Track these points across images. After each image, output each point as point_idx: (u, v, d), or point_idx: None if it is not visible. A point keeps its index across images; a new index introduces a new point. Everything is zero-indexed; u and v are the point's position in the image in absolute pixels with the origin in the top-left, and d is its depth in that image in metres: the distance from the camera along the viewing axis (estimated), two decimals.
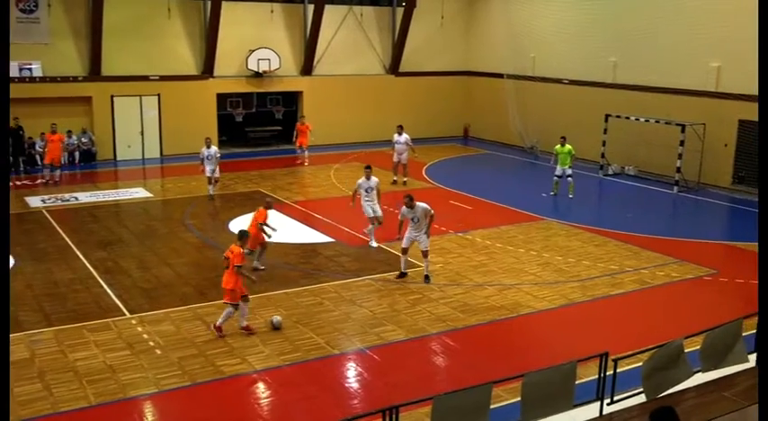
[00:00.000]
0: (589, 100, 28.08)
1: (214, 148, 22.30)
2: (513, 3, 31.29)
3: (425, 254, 15.40)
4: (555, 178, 23.11)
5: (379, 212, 18.10)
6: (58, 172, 24.18)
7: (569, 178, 22.86)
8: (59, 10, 26.83)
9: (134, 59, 28.05)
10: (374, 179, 18.19)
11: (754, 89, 22.77)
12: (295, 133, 28.57)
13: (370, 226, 18.00)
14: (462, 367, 11.83)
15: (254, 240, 15.44)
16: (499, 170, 28.43)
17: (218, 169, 22.42)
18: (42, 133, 25.43)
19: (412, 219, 15.29)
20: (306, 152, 28.13)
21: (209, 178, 22.27)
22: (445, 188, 24.16)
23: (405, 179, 24.50)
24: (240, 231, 13.53)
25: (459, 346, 12.57)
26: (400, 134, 24.35)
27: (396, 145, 24.32)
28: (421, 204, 15.24)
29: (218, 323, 12.64)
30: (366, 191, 18.05)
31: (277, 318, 13.11)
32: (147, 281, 15.34)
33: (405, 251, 15.51)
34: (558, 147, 23.05)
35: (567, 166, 22.79)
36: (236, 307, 12.72)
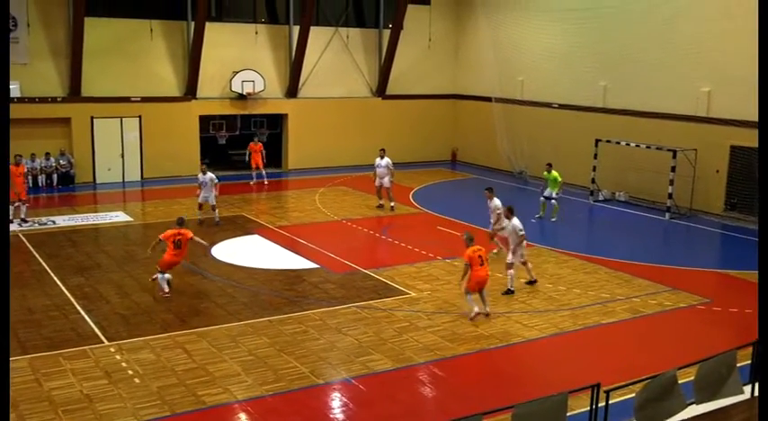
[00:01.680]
0: (579, 124, 27.99)
1: (210, 175, 21.74)
2: (501, 26, 31.25)
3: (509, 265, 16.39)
4: (541, 199, 23.25)
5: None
6: (24, 207, 21.50)
7: (553, 201, 22.90)
8: (39, 29, 26.49)
9: (115, 80, 27.72)
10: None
11: (745, 115, 22.95)
12: (247, 153, 28.29)
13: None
14: (451, 398, 11.57)
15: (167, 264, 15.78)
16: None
17: (213, 196, 21.77)
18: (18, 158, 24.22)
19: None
20: (264, 173, 27.92)
21: (200, 204, 21.83)
22: (433, 213, 23.87)
23: (392, 204, 24.15)
24: (179, 218, 16.77)
25: (447, 376, 12.28)
26: (382, 158, 24.10)
27: (377, 169, 24.06)
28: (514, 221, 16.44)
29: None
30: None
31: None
32: (127, 307, 14.90)
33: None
34: (545, 173, 23.18)
35: (554, 191, 22.87)
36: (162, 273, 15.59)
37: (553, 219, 22.83)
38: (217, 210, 21.90)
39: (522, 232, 16.32)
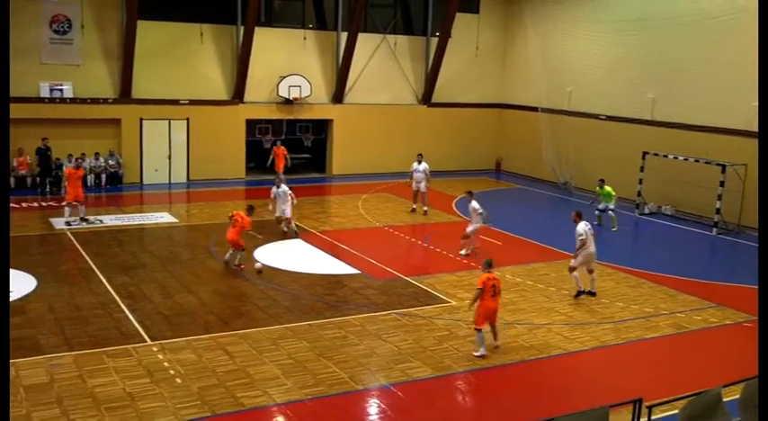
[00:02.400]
0: (626, 136, 27.66)
1: (284, 187, 21.11)
2: (549, 36, 31.06)
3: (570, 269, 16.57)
4: (596, 212, 23.58)
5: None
6: (83, 208, 21.97)
7: (610, 212, 23.24)
8: (92, 32, 27.03)
9: (164, 83, 28.15)
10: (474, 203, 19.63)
11: None
12: (271, 157, 28.29)
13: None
14: (489, 408, 11.52)
15: (235, 243, 17.93)
16: (531, 205, 28.02)
17: (288, 209, 20.96)
18: (70, 157, 24.97)
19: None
20: (282, 178, 27.58)
21: (278, 218, 21.15)
22: None
23: (425, 208, 24.37)
24: (249, 206, 18.85)
25: (486, 386, 12.22)
26: (419, 163, 24.36)
27: (415, 173, 24.31)
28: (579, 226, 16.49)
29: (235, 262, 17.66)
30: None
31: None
32: (170, 307, 15.08)
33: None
34: (598, 188, 23.54)
35: (609, 203, 23.34)
36: (241, 250, 17.81)
37: (614, 230, 23.06)
38: (293, 223, 21.29)
39: (582, 237, 16.22)
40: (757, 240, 22.82)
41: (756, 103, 23.46)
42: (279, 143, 28.77)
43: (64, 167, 26.20)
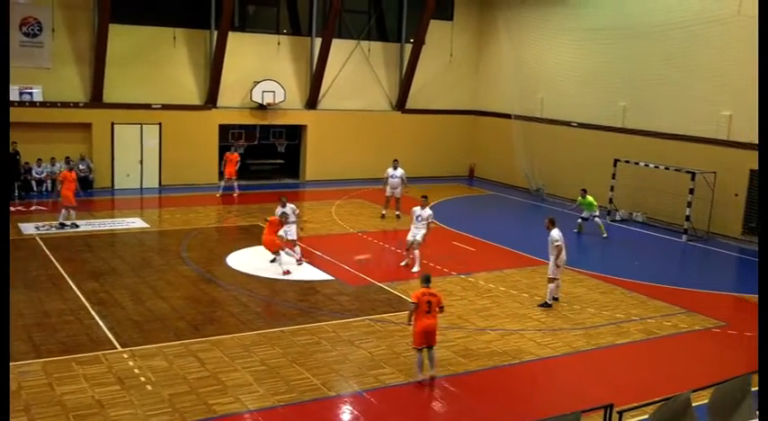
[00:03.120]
0: (598, 144, 27.90)
1: (291, 206, 19.28)
2: (522, 43, 31.29)
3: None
4: (579, 220, 23.84)
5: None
6: (74, 212, 21.92)
7: (597, 219, 23.56)
8: (63, 35, 26.75)
9: (136, 87, 27.93)
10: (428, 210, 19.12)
11: None
12: (223, 162, 27.60)
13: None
14: (461, 414, 11.52)
15: (271, 245, 17.99)
16: (504, 212, 28.16)
17: (295, 228, 19.15)
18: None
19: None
20: (235, 185, 27.37)
21: (292, 240, 19.07)
22: (448, 228, 23.81)
23: (398, 213, 24.48)
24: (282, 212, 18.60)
25: (459, 392, 12.21)
26: (395, 168, 24.47)
27: (391, 179, 24.38)
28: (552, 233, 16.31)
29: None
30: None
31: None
32: (141, 314, 14.93)
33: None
34: (580, 199, 23.75)
35: (592, 210, 23.63)
36: (278, 254, 17.90)
37: (604, 236, 23.42)
38: (297, 247, 19.29)
39: (558, 243, 16.18)
40: (728, 247, 23.15)
41: (728, 113, 23.90)
42: (233, 149, 28.28)
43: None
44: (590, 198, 23.54)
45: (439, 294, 12.59)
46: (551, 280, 16.38)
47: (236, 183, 27.39)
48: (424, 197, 19.68)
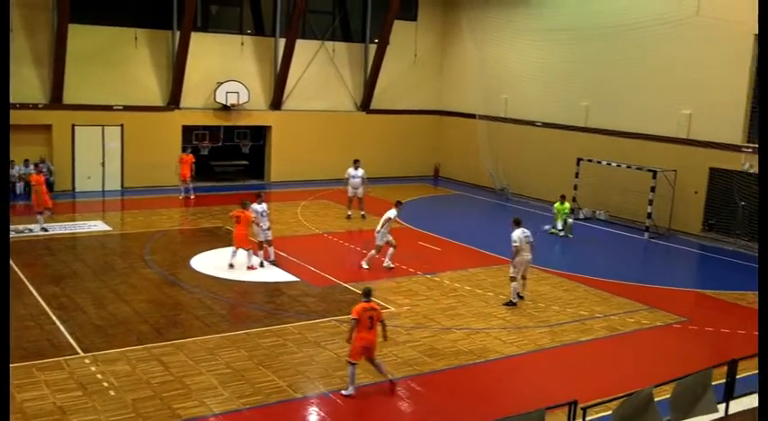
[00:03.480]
0: (561, 143, 28.16)
1: (255, 207, 18.87)
2: (486, 44, 31.44)
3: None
4: (549, 227, 24.18)
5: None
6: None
7: (569, 220, 23.94)
8: (22, 35, 26.28)
9: (97, 88, 27.56)
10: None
11: (723, 137, 23.28)
12: (178, 164, 27.20)
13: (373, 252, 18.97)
14: (428, 413, 11.57)
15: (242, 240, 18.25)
16: (469, 211, 28.27)
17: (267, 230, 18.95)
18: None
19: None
20: (191, 187, 27.07)
21: (261, 243, 18.94)
22: (414, 228, 23.85)
23: (363, 212, 24.52)
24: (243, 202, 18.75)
25: (425, 391, 12.25)
26: (356, 169, 24.56)
27: (352, 179, 24.47)
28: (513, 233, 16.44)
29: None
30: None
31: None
32: (103, 318, 14.74)
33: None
34: (558, 204, 24.01)
35: (565, 216, 24.03)
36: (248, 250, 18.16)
37: (570, 236, 23.70)
38: (271, 248, 19.27)
39: (515, 243, 16.32)
40: (688, 244, 23.50)
41: (689, 112, 24.24)
42: (188, 150, 27.89)
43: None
44: (567, 204, 24.03)
45: (379, 308, 12.22)
46: (512, 278, 16.49)
47: (191, 186, 27.07)
48: (399, 202, 20.06)
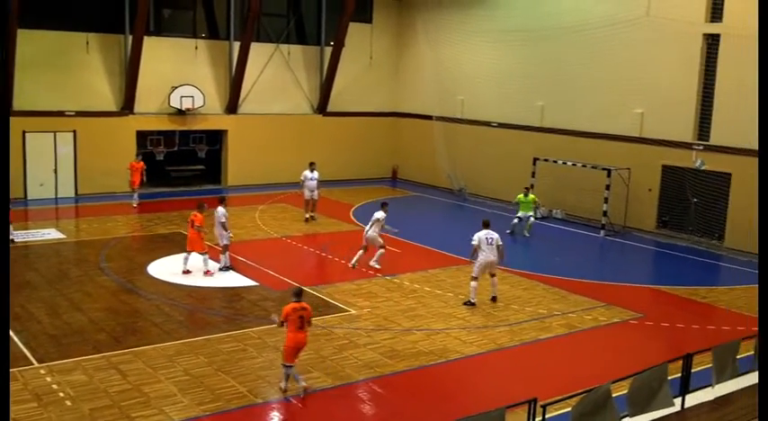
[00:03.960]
0: (518, 143, 28.42)
1: (221, 210, 18.76)
2: (441, 45, 31.62)
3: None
4: (515, 220, 24.16)
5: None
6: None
7: (531, 219, 24.08)
8: None
9: (49, 94, 27.07)
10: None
11: (675, 135, 23.70)
12: (127, 172, 26.61)
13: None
14: (390, 415, 11.59)
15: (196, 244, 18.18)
16: (428, 213, 28.37)
17: (225, 233, 18.71)
18: None
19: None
20: (137, 195, 26.35)
21: (223, 247, 18.82)
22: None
23: (313, 214, 24.79)
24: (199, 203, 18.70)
25: (386, 393, 12.26)
26: (312, 171, 24.66)
27: (309, 182, 24.55)
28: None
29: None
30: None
31: None
32: (58, 327, 14.49)
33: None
34: (521, 196, 24.15)
35: (528, 212, 24.08)
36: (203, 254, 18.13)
37: (526, 235, 23.87)
38: (227, 254, 18.97)
39: (474, 242, 16.49)
40: (643, 241, 23.88)
41: (641, 110, 24.64)
42: (140, 158, 27.13)
43: None
44: (532, 196, 24.18)
45: (309, 307, 12.18)
46: (473, 278, 16.59)
47: (137, 194, 26.39)
48: (385, 204, 20.29)
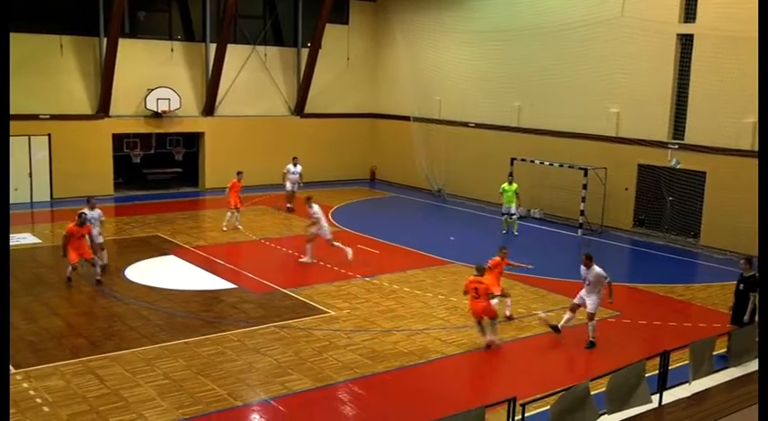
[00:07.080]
0: (495, 143, 28.53)
1: (98, 211, 18.84)
2: (418, 46, 31.70)
3: (590, 316, 14.57)
4: (503, 216, 24.36)
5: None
6: None
7: (513, 216, 24.13)
8: None
9: (22, 97, 26.66)
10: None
11: (651, 134, 23.90)
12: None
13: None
14: (370, 416, 11.56)
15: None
16: (406, 213, 28.40)
17: (97, 234, 18.61)
18: None
19: (584, 281, 14.80)
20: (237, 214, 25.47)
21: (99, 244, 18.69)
22: (352, 231, 23.85)
23: (290, 205, 26.47)
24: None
25: (366, 394, 12.24)
26: (295, 165, 26.56)
27: (291, 175, 26.38)
28: (597, 269, 14.65)
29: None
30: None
31: None
32: (35, 333, 14.33)
33: (572, 309, 14.92)
34: (506, 185, 24.21)
35: (512, 205, 24.06)
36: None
37: (516, 234, 23.96)
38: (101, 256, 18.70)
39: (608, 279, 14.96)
40: (620, 239, 24.05)
41: (617, 110, 24.83)
42: (240, 176, 26.07)
43: None
44: (515, 185, 24.19)
45: (487, 283, 13.90)
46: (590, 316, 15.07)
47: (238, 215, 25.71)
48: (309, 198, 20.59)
